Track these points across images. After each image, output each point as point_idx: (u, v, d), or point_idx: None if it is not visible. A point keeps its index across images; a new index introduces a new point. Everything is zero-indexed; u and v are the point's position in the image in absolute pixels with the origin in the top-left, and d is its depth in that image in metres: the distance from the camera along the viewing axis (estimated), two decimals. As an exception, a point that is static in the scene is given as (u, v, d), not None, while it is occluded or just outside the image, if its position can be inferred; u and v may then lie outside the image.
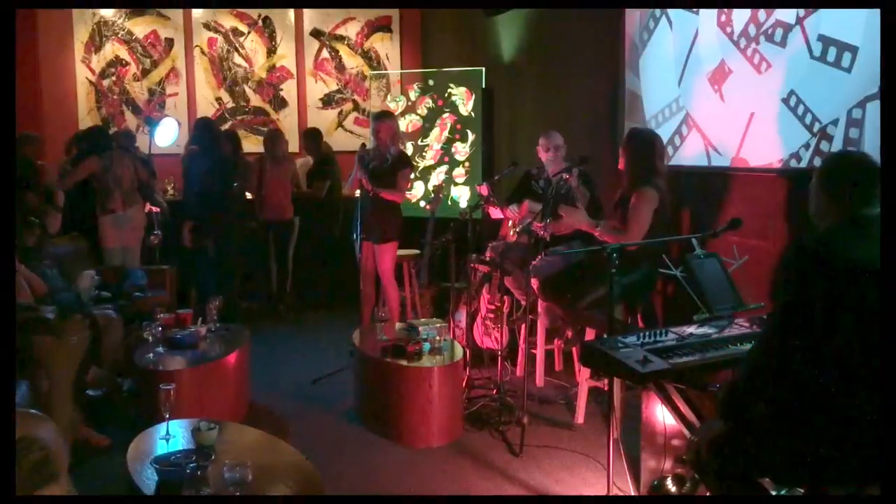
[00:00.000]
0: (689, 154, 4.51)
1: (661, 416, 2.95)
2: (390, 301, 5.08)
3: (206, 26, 7.74)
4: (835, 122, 3.40)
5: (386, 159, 4.91)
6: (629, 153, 3.93)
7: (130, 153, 5.94)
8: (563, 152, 4.71)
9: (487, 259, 4.76)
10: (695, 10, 4.38)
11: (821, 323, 1.97)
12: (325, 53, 7.84)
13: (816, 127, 3.52)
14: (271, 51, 7.81)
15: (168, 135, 6.80)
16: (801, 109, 3.64)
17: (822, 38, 3.48)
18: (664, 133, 4.69)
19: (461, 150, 6.73)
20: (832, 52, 3.42)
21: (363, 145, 5.19)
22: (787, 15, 3.70)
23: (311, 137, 6.85)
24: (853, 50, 3.31)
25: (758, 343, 2.19)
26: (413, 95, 6.93)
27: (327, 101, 7.88)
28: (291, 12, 7.78)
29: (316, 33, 7.84)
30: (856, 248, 2.03)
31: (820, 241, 2.10)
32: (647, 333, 2.80)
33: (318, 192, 6.64)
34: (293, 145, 7.40)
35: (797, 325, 2.01)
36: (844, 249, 2.03)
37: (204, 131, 5.96)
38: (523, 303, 4.65)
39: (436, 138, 6.82)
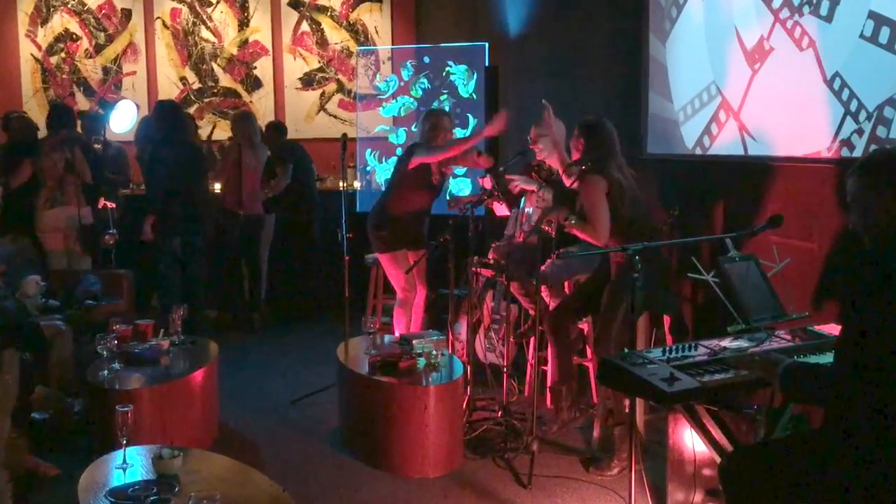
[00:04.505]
0: (723, 143, 4.52)
1: (689, 441, 2.96)
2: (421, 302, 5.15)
3: (169, -5, 7.75)
4: (891, 103, 3.39)
5: None
6: (574, 148, 3.98)
7: (73, 143, 5.86)
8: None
9: (491, 262, 4.75)
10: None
11: None
12: (304, 26, 7.84)
13: (863, 115, 3.52)
14: (243, 23, 7.82)
15: (125, 119, 6.78)
16: (838, 85, 3.64)
17: (872, 15, 3.48)
18: (698, 123, 4.70)
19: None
20: (885, 32, 3.42)
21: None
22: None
23: (279, 130, 6.90)
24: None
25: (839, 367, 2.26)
26: (406, 75, 6.93)
27: (308, 82, 7.88)
28: (266, -21, 7.80)
29: (294, 3, 7.84)
30: None
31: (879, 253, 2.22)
32: (675, 347, 2.81)
33: (281, 177, 6.53)
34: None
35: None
36: None
37: (169, 115, 5.92)
38: (532, 312, 4.65)
39: (432, 124, 6.82)
